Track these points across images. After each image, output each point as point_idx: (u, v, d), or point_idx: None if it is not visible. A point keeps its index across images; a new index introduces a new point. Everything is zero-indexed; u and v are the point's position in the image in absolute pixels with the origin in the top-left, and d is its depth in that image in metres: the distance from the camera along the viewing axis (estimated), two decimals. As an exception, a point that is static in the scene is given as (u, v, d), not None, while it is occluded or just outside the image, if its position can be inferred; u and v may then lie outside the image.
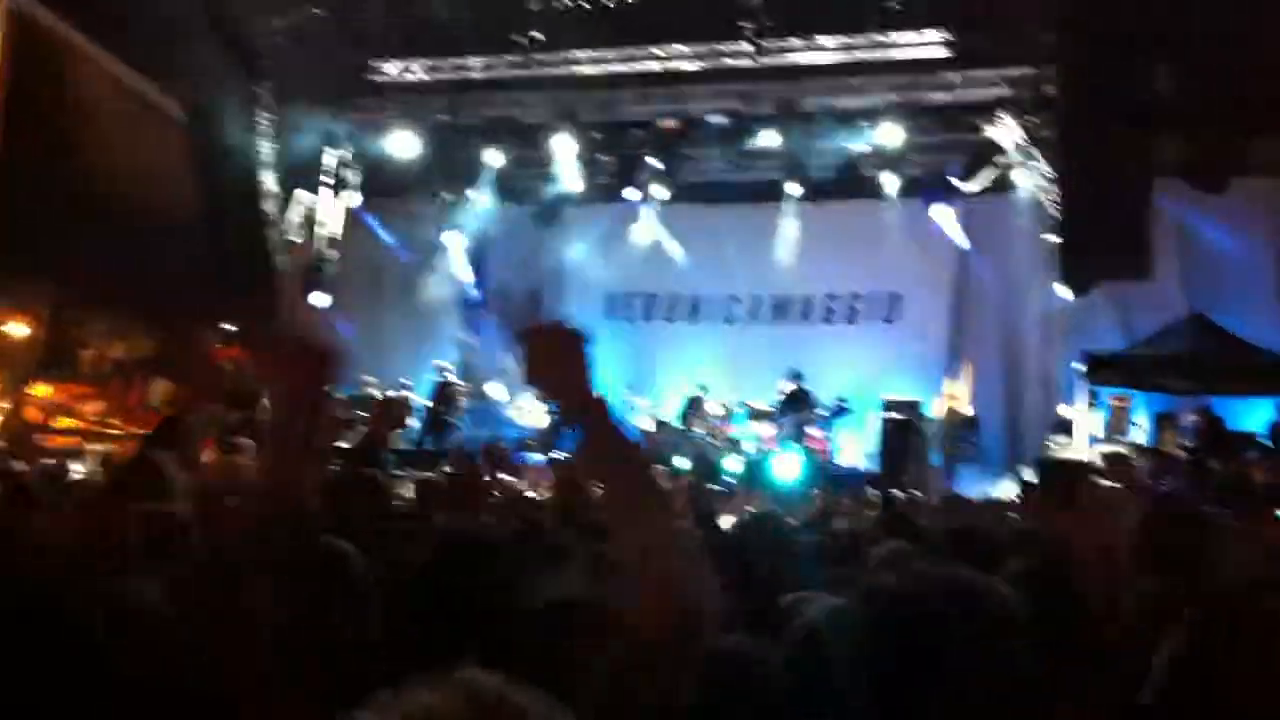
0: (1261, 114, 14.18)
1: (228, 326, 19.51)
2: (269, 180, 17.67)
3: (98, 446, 15.28)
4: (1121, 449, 15.93)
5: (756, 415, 18.49)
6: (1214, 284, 16.46)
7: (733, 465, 17.34)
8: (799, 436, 17.50)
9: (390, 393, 18.20)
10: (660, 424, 18.66)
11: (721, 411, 18.54)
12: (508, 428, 18.92)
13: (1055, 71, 14.42)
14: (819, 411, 17.79)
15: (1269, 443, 15.70)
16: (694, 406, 18.43)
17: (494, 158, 18.83)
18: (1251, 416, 16.25)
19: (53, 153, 15.26)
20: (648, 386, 19.34)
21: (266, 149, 17.42)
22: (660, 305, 20.56)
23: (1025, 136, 16.21)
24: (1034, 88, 15.39)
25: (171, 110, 17.47)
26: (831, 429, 18.05)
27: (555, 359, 2.18)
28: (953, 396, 17.21)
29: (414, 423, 19.23)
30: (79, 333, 19.18)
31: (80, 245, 16.16)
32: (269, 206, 17.84)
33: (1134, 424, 16.67)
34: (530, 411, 19.13)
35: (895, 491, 13.77)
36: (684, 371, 19.09)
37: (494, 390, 19.69)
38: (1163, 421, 16.42)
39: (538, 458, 16.72)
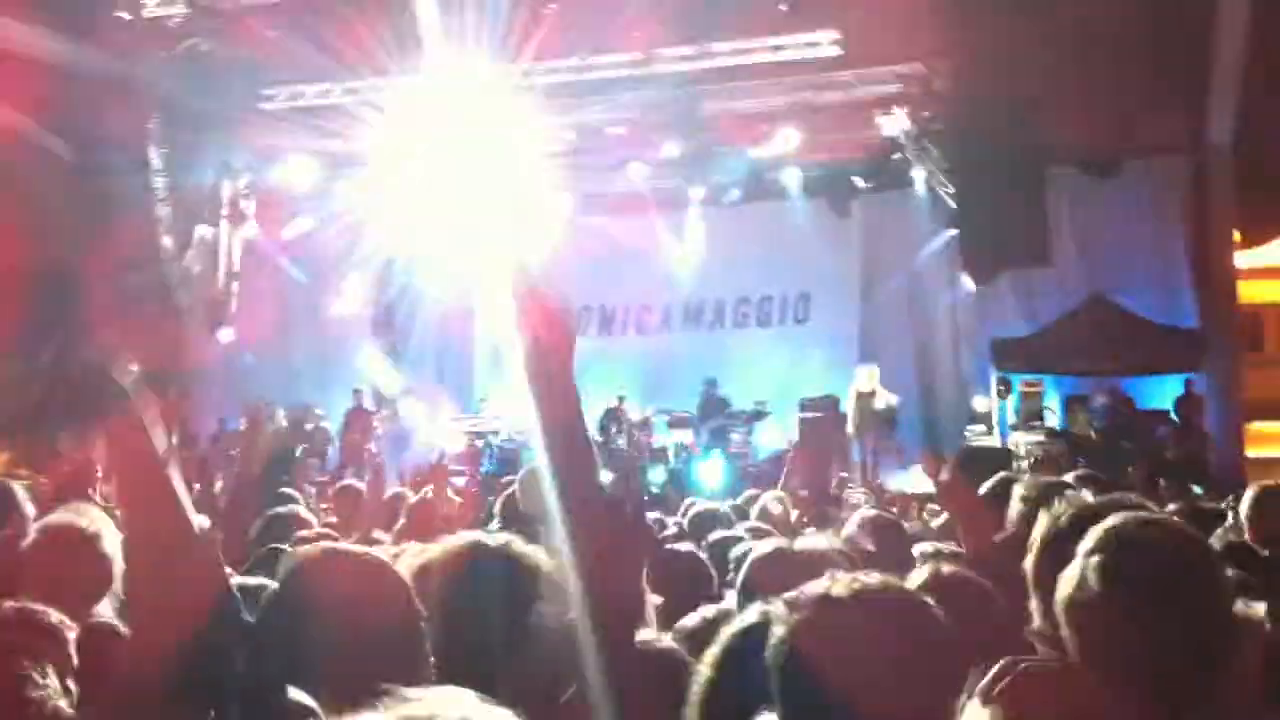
0: (1147, 94, 14.41)
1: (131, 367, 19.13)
2: (165, 216, 17.29)
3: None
4: (1040, 438, 16.13)
5: (676, 422, 18.47)
6: (1112, 265, 16.75)
7: (657, 475, 17.32)
8: (720, 441, 17.51)
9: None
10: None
11: (640, 420, 18.48)
12: (424, 450, 18.71)
13: (943, 65, 14.54)
14: (738, 415, 17.79)
15: (1177, 419, 15.98)
16: (613, 417, 18.34)
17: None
18: (1159, 393, 16.53)
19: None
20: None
21: (160, 183, 17.04)
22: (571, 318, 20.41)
23: (919, 131, 16.35)
24: (925, 83, 15.51)
25: (59, 149, 17.06)
26: (752, 431, 18.07)
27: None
28: (864, 387, 17.23)
29: (332, 451, 19.03)
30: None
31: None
32: (168, 242, 17.47)
33: (1046, 409, 16.85)
34: (447, 432, 18.95)
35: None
36: (600, 383, 18.99)
37: (409, 410, 19.46)
38: (1073, 404, 16.65)
39: (458, 481, 16.52)
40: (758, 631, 2.16)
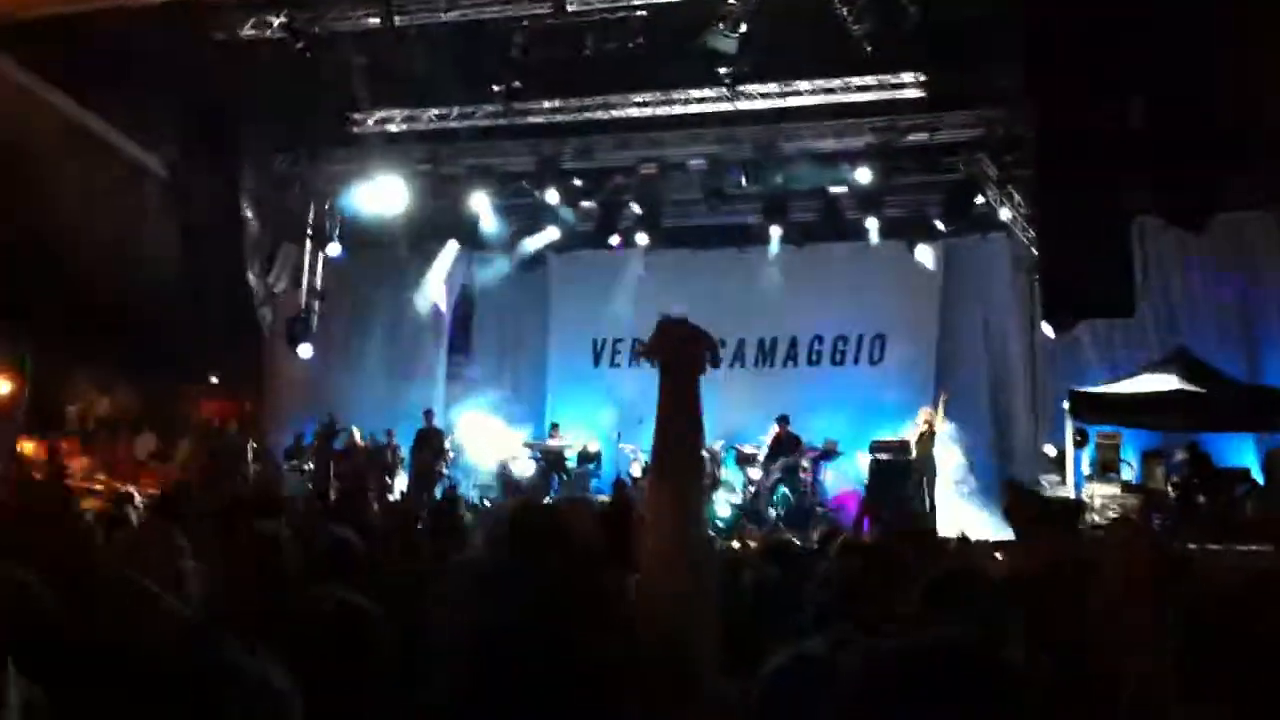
0: (1237, 150, 14.16)
1: (213, 381, 19.53)
2: (252, 233, 17.64)
3: (85, 504, 15.17)
4: (1115, 490, 15.87)
5: (744, 459, 18.40)
6: (1195, 319, 16.48)
7: (722, 510, 17.30)
8: (789, 480, 17.43)
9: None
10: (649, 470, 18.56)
11: (709, 455, 18.43)
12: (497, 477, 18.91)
13: (1027, 110, 14.40)
14: (808, 453, 17.70)
15: (1262, 478, 15.62)
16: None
17: (478, 205, 18.78)
18: (1240, 452, 16.18)
19: (32, 208, 15.26)
20: (637, 433, 19.28)
21: (248, 201, 17.40)
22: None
23: (1002, 176, 16.22)
24: (1008, 127, 15.41)
25: (152, 165, 17.51)
26: (820, 470, 17.97)
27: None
28: (928, 424, 17.04)
29: (402, 475, 19.25)
30: (63, 389, 19.18)
31: (61, 300, 16.16)
32: (252, 259, 17.82)
33: (1124, 461, 16.56)
34: (520, 460, 19.11)
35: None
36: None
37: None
38: (1150, 459, 16.36)
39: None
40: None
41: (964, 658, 1.84)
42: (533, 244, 19.84)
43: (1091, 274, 14.54)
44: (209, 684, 1.84)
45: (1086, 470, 16.41)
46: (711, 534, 15.19)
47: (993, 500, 17.34)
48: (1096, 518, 15.44)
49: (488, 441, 19.43)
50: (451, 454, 19.22)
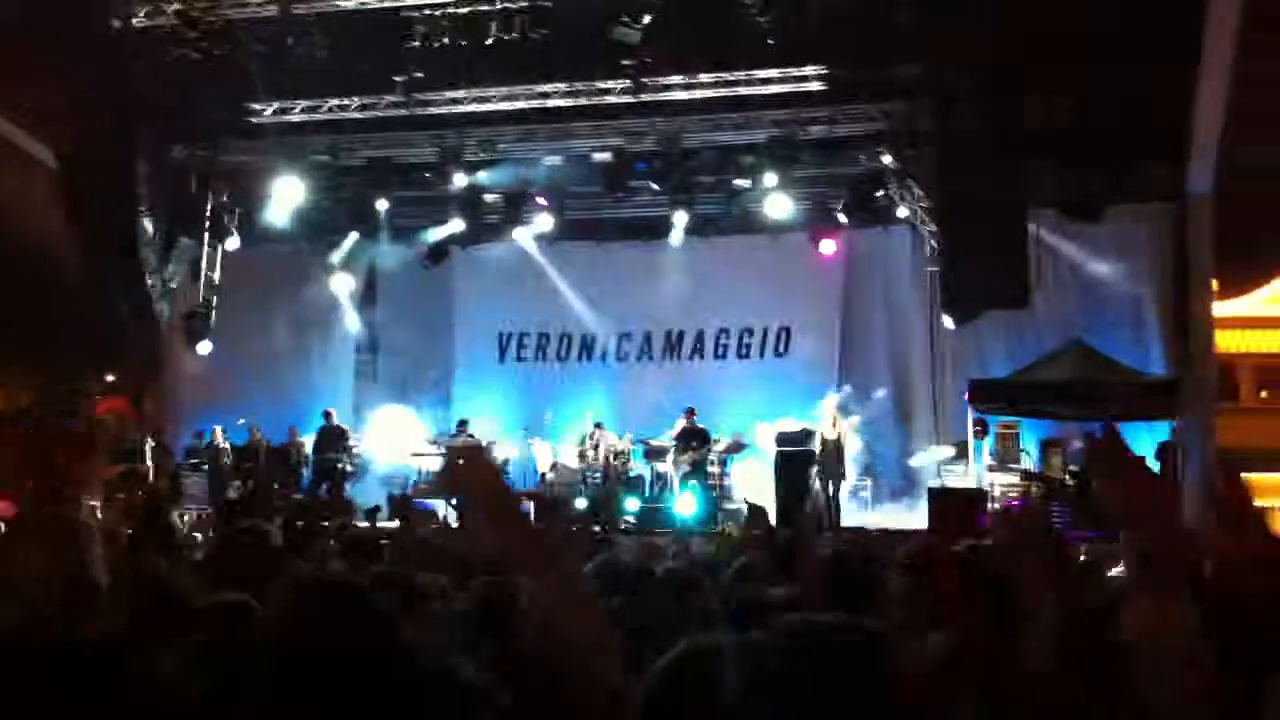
0: (1133, 143, 14.47)
1: (108, 377, 19.09)
2: (148, 226, 17.26)
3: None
4: (1015, 480, 16.14)
5: (652, 452, 18.40)
6: (1092, 310, 16.81)
7: (631, 504, 17.28)
8: (697, 473, 17.45)
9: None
10: (556, 465, 18.54)
11: (618, 449, 18.42)
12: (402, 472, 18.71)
13: (928, 105, 14.59)
14: (714, 446, 17.73)
15: (1156, 466, 15.94)
16: (590, 445, 18.29)
17: (378, 198, 18.55)
18: (1135, 442, 16.49)
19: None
20: (542, 427, 19.20)
21: (144, 194, 17.02)
22: (552, 344, 20.43)
23: (903, 169, 16.40)
24: (909, 121, 15.57)
25: (44, 156, 17.07)
26: (728, 463, 18.03)
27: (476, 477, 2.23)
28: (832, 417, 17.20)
29: (306, 471, 18.97)
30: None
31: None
32: (149, 254, 17.44)
33: (1023, 450, 16.84)
34: (425, 456, 18.92)
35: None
36: (578, 410, 18.95)
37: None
38: (1048, 447, 16.65)
39: (431, 502, 16.53)
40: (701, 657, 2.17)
41: (840, 641, 1.85)
42: (436, 236, 19.63)
43: (990, 266, 14.80)
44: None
45: (987, 460, 16.67)
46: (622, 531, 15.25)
47: (894, 491, 17.61)
48: (998, 506, 15.71)
49: (397, 436, 19.24)
50: (356, 451, 19.01)
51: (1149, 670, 2.27)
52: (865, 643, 1.87)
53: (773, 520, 13.70)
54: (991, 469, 16.55)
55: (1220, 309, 16.65)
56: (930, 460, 17.14)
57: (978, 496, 15.88)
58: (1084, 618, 2.93)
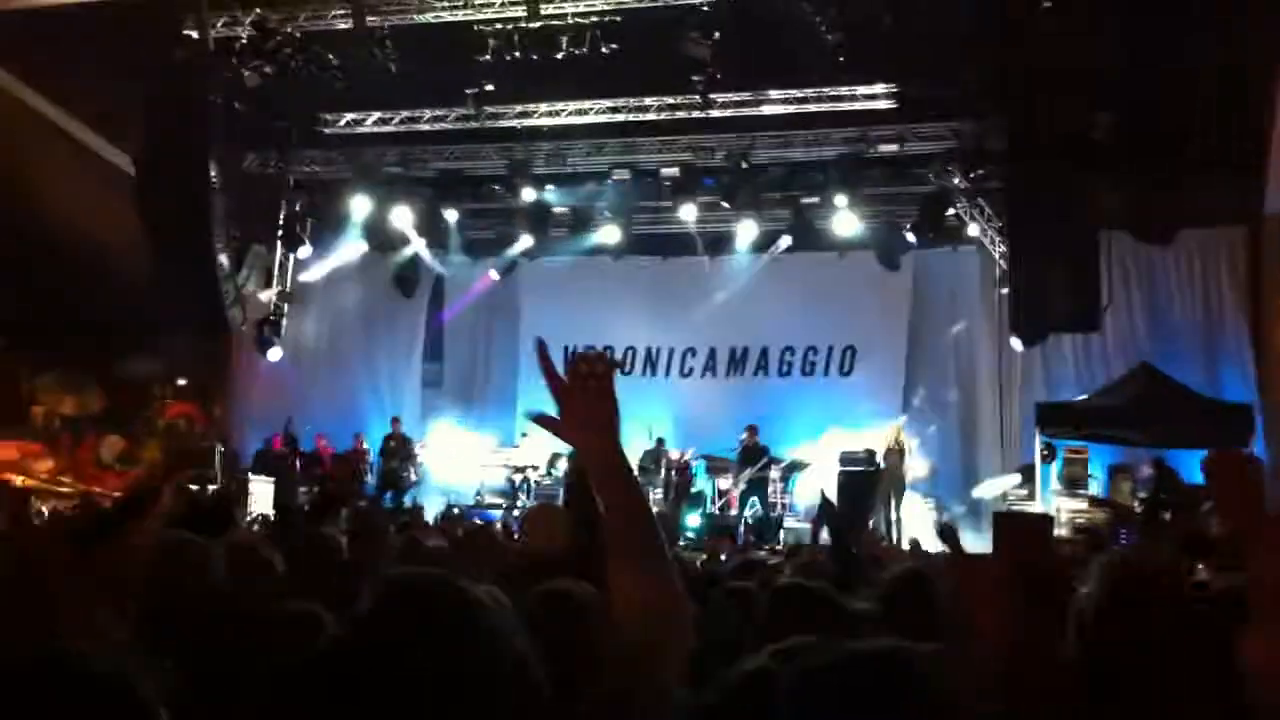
0: (1204, 166, 14.23)
1: (180, 383, 19.38)
2: (222, 233, 17.52)
3: (49, 504, 15.03)
4: (1082, 505, 15.92)
5: (714, 468, 18.35)
6: (1162, 334, 16.53)
7: (693, 520, 17.25)
8: (757, 490, 17.40)
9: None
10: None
11: (680, 463, 18.40)
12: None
13: (998, 123, 14.45)
14: (777, 464, 17.67)
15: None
16: (652, 460, 18.28)
17: (448, 210, 18.71)
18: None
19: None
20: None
21: (219, 202, 17.28)
22: (616, 358, 20.45)
23: (972, 188, 16.24)
24: (979, 139, 15.43)
25: (122, 164, 17.38)
26: (790, 481, 17.94)
27: (590, 414, 2.24)
28: (891, 443, 17.07)
29: (371, 479, 19.13)
30: (28, 389, 18.99)
31: (28, 299, 16.03)
32: (222, 260, 17.70)
33: (1091, 475, 16.59)
34: (488, 467, 19.04)
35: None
36: (641, 425, 18.95)
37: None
38: (1116, 473, 16.40)
39: (495, 513, 16.62)
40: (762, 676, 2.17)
41: (893, 669, 1.81)
42: (505, 249, 19.76)
43: (1059, 288, 14.60)
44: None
45: (1054, 485, 16.44)
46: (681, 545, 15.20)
47: (957, 515, 17.40)
48: (1064, 532, 15.48)
49: (458, 453, 19.36)
50: (420, 460, 19.14)
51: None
52: (915, 670, 1.84)
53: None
54: (1059, 494, 16.32)
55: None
56: (994, 490, 16.89)
57: (1044, 521, 15.66)
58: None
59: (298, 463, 18.61)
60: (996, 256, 16.49)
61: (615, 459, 2.25)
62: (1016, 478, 16.80)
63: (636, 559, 2.21)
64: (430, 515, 15.91)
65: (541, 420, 2.29)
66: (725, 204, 17.65)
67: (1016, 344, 16.18)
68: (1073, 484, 16.39)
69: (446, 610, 1.88)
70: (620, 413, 2.25)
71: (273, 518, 16.67)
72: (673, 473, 18.22)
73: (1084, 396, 16.42)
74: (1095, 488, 16.47)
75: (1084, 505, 16.07)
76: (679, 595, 2.22)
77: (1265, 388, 15.85)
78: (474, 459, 19.18)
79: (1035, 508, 16.15)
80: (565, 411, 2.26)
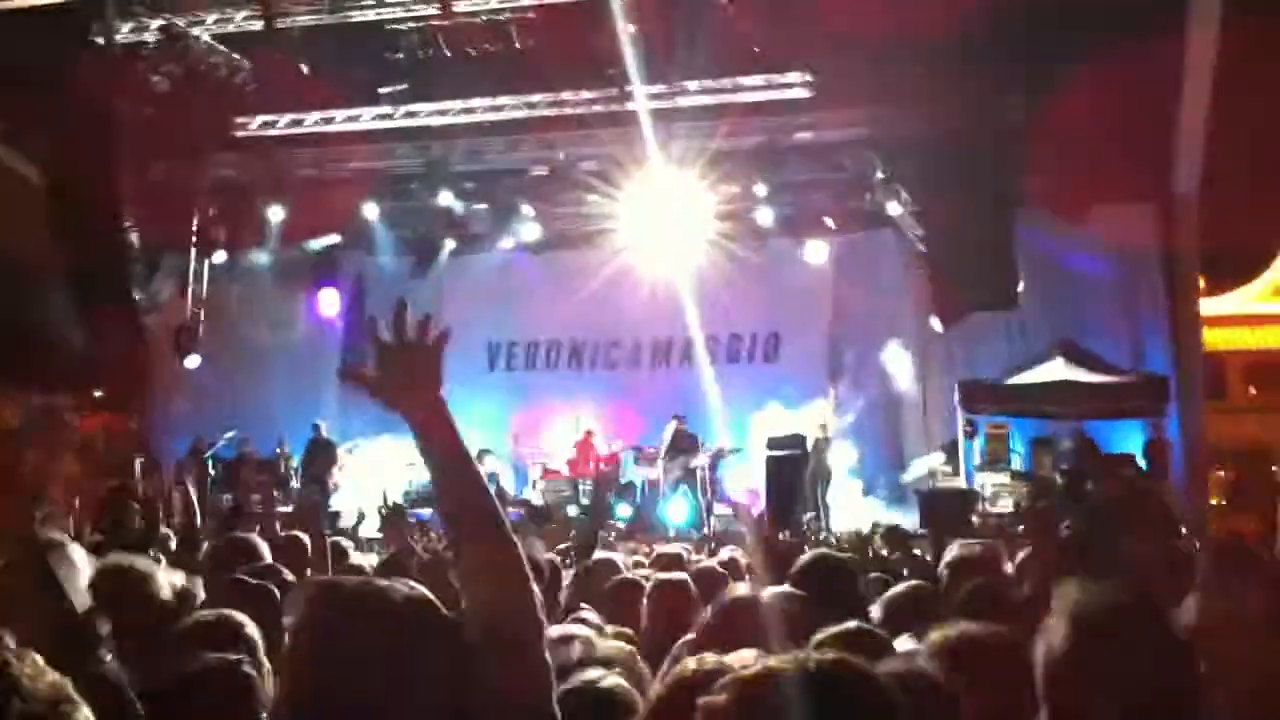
0: (1115, 141, 14.52)
1: (96, 393, 19.00)
2: (134, 241, 17.19)
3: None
4: (1005, 479, 16.24)
5: (644, 458, 18.43)
6: (1079, 310, 16.88)
7: (623, 510, 17.30)
8: (687, 479, 17.49)
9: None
10: (547, 474, 18.56)
11: (608, 455, 18.45)
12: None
13: (912, 108, 14.61)
14: (705, 452, 17.76)
15: (1144, 463, 16.02)
16: (580, 453, 18.32)
17: (369, 209, 18.50)
18: (1126, 439, 16.59)
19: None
20: (534, 435, 19.20)
21: (129, 210, 16.95)
22: (540, 353, 20.45)
23: (890, 172, 16.42)
24: (895, 125, 15.59)
25: (29, 173, 16.99)
26: (718, 469, 18.06)
27: (410, 373, 2.25)
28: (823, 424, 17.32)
29: (295, 484, 18.93)
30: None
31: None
32: (136, 268, 17.38)
33: (1013, 451, 16.93)
34: (419, 465, 18.88)
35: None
36: (569, 418, 18.96)
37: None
38: (1038, 447, 16.75)
39: (424, 512, 16.52)
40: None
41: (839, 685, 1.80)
42: (422, 247, 19.65)
43: (977, 268, 14.84)
44: None
45: (977, 460, 16.75)
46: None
47: (885, 495, 17.66)
48: (989, 506, 15.80)
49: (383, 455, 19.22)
50: (343, 465, 18.97)
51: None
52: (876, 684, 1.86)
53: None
54: (981, 469, 16.64)
55: (1208, 306, 16.74)
56: (923, 470, 17.16)
57: (969, 497, 15.97)
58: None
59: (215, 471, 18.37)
60: (914, 239, 16.71)
61: (442, 420, 2.28)
62: (941, 456, 17.08)
63: (475, 524, 2.25)
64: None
65: (355, 375, 2.31)
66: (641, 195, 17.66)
67: (936, 324, 16.44)
68: (995, 459, 16.73)
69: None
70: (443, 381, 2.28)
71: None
72: (601, 465, 18.28)
73: (1004, 373, 16.74)
74: (1018, 462, 16.81)
75: (1007, 479, 16.40)
76: (516, 553, 2.24)
77: (1178, 359, 16.29)
78: (401, 458, 19.04)
79: (959, 484, 16.50)
80: (386, 372, 2.27)
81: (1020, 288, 15.45)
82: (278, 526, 10.71)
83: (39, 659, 1.58)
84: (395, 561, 6.09)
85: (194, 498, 9.12)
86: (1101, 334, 16.62)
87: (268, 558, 5.54)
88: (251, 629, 3.44)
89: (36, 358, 16.96)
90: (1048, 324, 16.83)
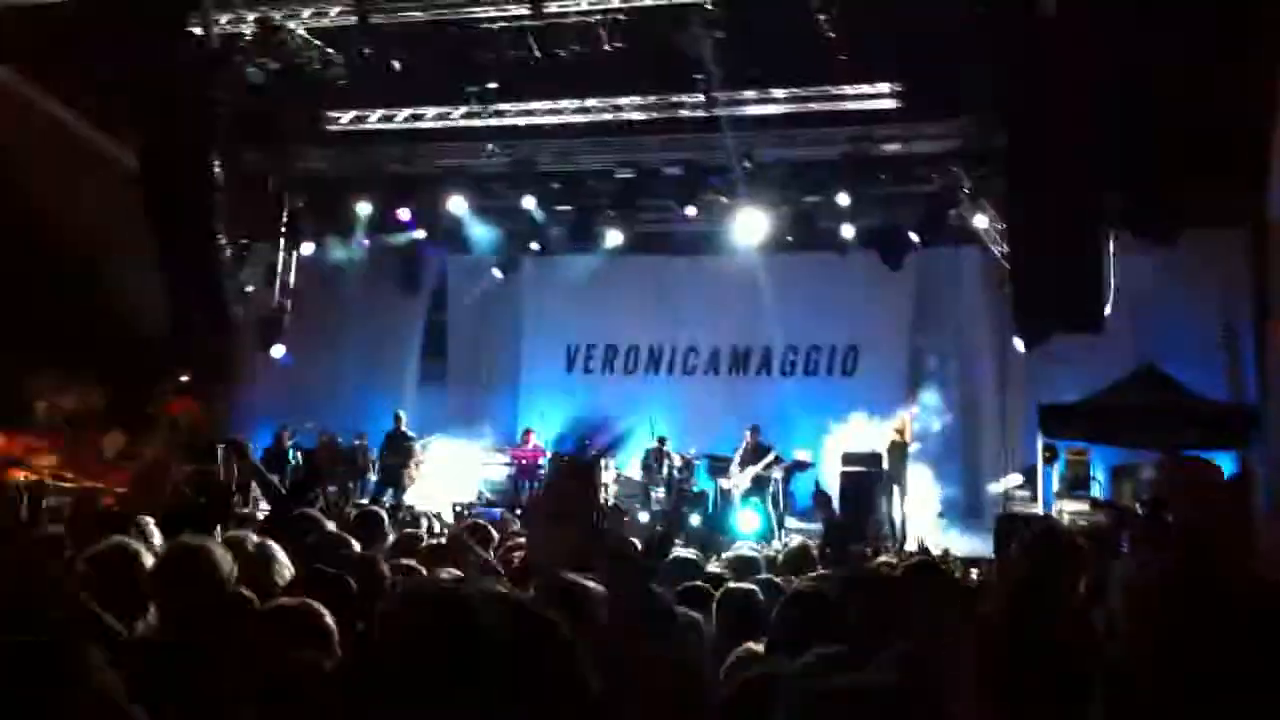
0: (1209, 166, 14.18)
1: (182, 379, 19.38)
2: (225, 231, 17.49)
3: (51, 500, 15.03)
4: (1084, 507, 15.90)
5: (717, 468, 18.35)
6: (1165, 336, 16.50)
7: (694, 519, 17.21)
8: (759, 490, 17.38)
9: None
10: (620, 479, 18.55)
11: (682, 463, 18.39)
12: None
13: (1002, 121, 14.38)
14: (780, 464, 17.64)
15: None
16: (654, 459, 18.28)
17: (456, 205, 18.63)
18: (1211, 471, 16.16)
19: (1, 202, 15.17)
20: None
21: (222, 199, 17.26)
22: (619, 357, 20.47)
23: (976, 187, 16.20)
24: (982, 138, 15.38)
25: (125, 160, 17.37)
26: (793, 481, 17.93)
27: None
28: (900, 435, 17.09)
29: (372, 476, 19.15)
30: (30, 384, 19.00)
31: (29, 294, 16.03)
32: (225, 257, 17.68)
33: (1093, 478, 16.58)
34: (489, 465, 19.03)
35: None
36: (644, 424, 18.94)
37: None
38: (1119, 474, 16.38)
39: (499, 511, 16.62)
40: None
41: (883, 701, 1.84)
42: (508, 246, 19.77)
43: (1063, 288, 14.51)
44: None
45: (1056, 486, 16.42)
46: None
47: (961, 514, 17.40)
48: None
49: (460, 452, 19.36)
50: (422, 459, 19.13)
51: None
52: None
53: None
54: (1060, 495, 16.31)
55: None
56: (997, 489, 16.90)
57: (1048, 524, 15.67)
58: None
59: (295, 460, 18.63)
60: (999, 256, 16.45)
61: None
62: (1019, 478, 16.79)
63: None
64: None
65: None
66: (726, 201, 17.63)
67: (1019, 344, 16.16)
68: (1075, 485, 16.38)
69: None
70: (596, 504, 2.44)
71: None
72: (675, 472, 18.22)
73: (1086, 398, 16.39)
74: (1097, 489, 16.45)
75: (1086, 507, 16.05)
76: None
77: (1268, 390, 15.81)
78: (476, 457, 19.18)
79: (1037, 510, 16.18)
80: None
81: (1107, 311, 15.12)
82: (350, 517, 10.93)
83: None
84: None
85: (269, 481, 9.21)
86: (1187, 361, 16.21)
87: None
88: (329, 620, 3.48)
89: (126, 343, 17.35)
90: (1132, 349, 16.46)
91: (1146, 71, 13.21)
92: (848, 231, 17.66)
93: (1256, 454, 15.52)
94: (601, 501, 16.32)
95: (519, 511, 15.83)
